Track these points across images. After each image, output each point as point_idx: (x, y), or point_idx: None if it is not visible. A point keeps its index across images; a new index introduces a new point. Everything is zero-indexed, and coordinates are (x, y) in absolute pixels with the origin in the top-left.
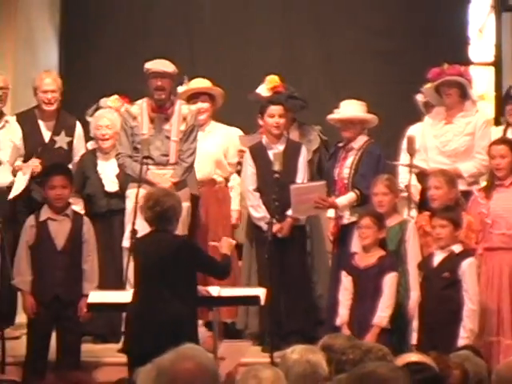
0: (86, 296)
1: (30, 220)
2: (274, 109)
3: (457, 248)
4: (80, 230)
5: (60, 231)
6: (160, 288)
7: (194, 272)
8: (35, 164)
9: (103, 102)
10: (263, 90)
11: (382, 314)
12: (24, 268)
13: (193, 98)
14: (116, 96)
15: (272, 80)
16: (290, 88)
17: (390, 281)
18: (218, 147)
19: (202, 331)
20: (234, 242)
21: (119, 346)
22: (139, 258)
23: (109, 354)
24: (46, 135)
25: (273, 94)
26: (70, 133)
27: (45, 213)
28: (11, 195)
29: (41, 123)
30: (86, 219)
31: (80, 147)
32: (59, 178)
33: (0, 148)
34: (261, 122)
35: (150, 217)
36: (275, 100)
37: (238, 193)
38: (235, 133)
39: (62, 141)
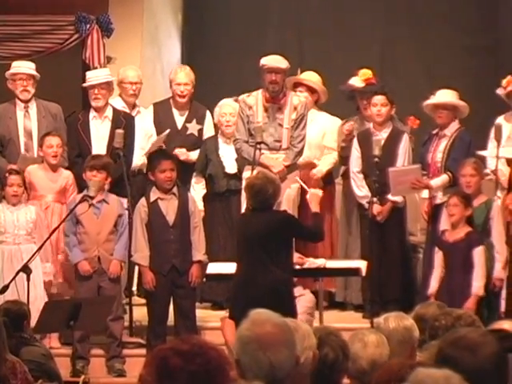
0: (196, 262)
1: (142, 201)
2: (378, 99)
3: None
4: (186, 205)
5: (170, 208)
6: (261, 258)
7: (291, 242)
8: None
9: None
10: (357, 82)
11: (478, 284)
12: (142, 245)
13: (296, 86)
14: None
15: (365, 73)
16: (380, 82)
17: (479, 253)
18: (319, 133)
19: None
20: (320, 192)
21: None
22: (242, 231)
23: None
24: (179, 123)
25: (366, 86)
26: (201, 121)
27: (154, 194)
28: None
29: (175, 112)
30: (190, 195)
31: (209, 133)
32: (168, 162)
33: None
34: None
35: (253, 203)
36: (379, 90)
37: None
38: (334, 121)
39: (193, 128)
